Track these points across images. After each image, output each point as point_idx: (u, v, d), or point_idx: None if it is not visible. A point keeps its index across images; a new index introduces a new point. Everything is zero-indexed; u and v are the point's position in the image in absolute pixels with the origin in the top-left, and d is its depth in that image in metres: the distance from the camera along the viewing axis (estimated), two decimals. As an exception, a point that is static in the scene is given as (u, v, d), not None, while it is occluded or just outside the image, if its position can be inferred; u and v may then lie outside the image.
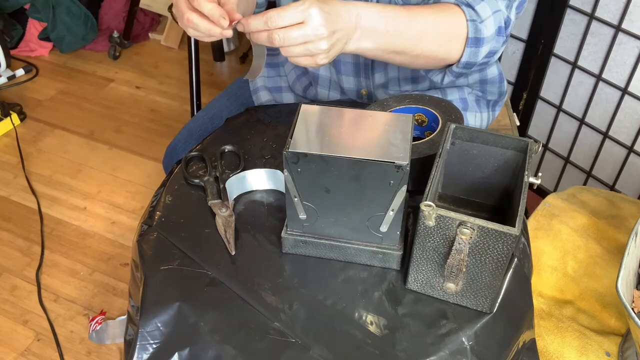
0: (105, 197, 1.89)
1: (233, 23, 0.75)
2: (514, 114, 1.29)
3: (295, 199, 0.71)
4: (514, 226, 0.62)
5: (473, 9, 0.85)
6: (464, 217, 0.63)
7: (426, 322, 0.69)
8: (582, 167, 1.64)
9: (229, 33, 0.76)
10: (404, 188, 0.67)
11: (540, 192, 1.75)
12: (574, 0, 1.44)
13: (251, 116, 1.00)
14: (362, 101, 1.09)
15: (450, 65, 0.90)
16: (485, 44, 0.87)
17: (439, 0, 0.87)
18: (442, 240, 0.66)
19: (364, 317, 0.70)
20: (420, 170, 0.77)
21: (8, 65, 2.33)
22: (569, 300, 1.05)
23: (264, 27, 0.73)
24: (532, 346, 0.76)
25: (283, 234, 0.75)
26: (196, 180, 0.86)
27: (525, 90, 1.68)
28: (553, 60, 1.57)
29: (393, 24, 0.82)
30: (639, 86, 1.41)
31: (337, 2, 0.77)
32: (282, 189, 0.80)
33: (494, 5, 0.87)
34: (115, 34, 2.46)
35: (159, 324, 0.70)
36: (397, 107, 0.89)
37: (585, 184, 1.66)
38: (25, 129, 2.14)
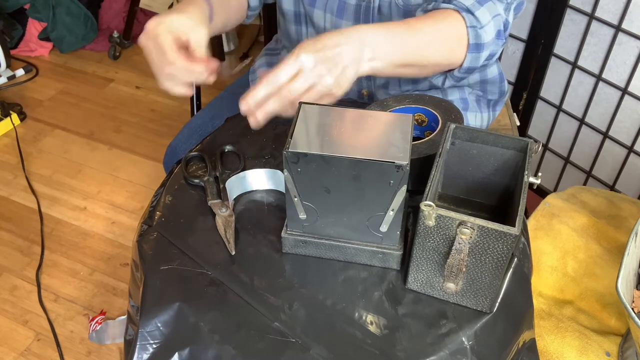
0: (105, 197, 1.89)
1: (213, 70, 0.77)
2: (514, 114, 1.29)
3: (295, 199, 0.71)
4: (514, 226, 0.62)
5: (473, 14, 0.85)
6: (464, 217, 0.63)
7: (426, 322, 0.69)
8: (582, 167, 1.64)
9: (212, 80, 0.77)
10: (404, 188, 0.67)
11: (540, 192, 1.75)
12: (574, 0, 1.44)
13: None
14: (362, 101, 1.09)
15: (451, 70, 0.90)
16: (485, 49, 0.87)
17: (438, 7, 0.87)
18: (442, 240, 0.66)
19: (364, 317, 0.70)
20: (420, 170, 0.77)
21: (8, 65, 2.33)
22: (569, 300, 1.05)
23: (268, 90, 0.74)
24: (532, 346, 0.76)
25: (283, 234, 0.75)
26: (196, 180, 0.86)
27: (525, 90, 1.68)
28: (553, 60, 1.57)
29: (398, 38, 0.82)
30: (639, 86, 1.41)
31: (334, 33, 0.77)
32: (282, 189, 0.80)
33: (493, 9, 0.86)
34: (115, 34, 2.46)
35: (159, 324, 0.70)
36: (397, 107, 0.89)
37: (585, 184, 1.66)
38: (25, 129, 2.14)
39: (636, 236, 0.88)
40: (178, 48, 0.76)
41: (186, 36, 0.77)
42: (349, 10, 0.98)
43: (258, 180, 0.83)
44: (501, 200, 0.79)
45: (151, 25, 0.75)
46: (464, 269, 0.66)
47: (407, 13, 0.95)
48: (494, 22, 0.86)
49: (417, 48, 0.83)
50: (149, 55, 0.76)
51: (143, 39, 0.76)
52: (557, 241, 1.11)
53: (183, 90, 0.79)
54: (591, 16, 1.42)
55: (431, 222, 0.64)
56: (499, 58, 1.59)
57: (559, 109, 1.62)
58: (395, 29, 0.82)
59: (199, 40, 0.78)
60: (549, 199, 1.20)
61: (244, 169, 0.86)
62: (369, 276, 0.74)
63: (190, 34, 0.77)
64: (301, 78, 0.74)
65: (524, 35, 1.59)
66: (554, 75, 1.59)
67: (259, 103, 0.75)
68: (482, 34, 0.86)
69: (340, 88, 0.77)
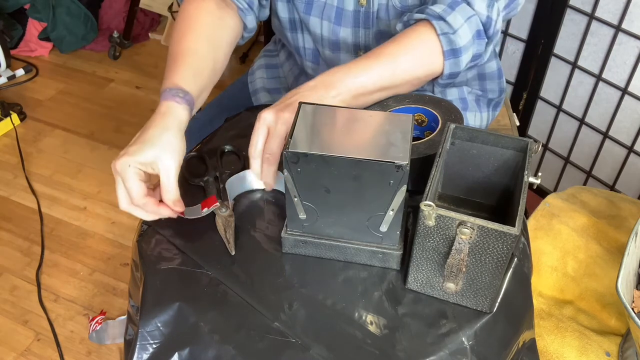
0: (105, 197, 1.89)
1: (178, 213, 0.77)
2: (514, 114, 1.29)
3: (295, 199, 0.71)
4: (514, 226, 0.62)
5: (444, 20, 0.84)
6: (464, 217, 0.63)
7: (426, 322, 0.69)
8: (582, 167, 1.64)
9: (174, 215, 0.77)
10: (404, 188, 0.67)
11: (540, 192, 1.75)
12: (574, 0, 1.44)
13: (251, 116, 1.00)
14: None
15: (435, 78, 0.90)
16: (463, 52, 0.86)
17: (412, 17, 0.87)
18: (442, 240, 0.66)
19: (364, 317, 0.70)
20: (420, 170, 0.77)
21: (8, 65, 2.33)
22: (569, 300, 1.05)
23: (259, 159, 0.78)
24: (532, 346, 0.76)
25: (283, 234, 0.75)
26: (196, 180, 0.86)
27: (525, 90, 1.68)
28: (553, 60, 1.57)
29: (357, 70, 0.83)
30: (639, 86, 1.41)
31: (296, 91, 0.81)
32: (282, 189, 0.80)
33: (466, 11, 0.85)
34: (115, 34, 2.46)
35: (159, 324, 0.70)
36: (397, 107, 0.89)
37: (585, 184, 1.66)
38: (25, 129, 2.14)
39: (636, 236, 0.88)
40: (145, 189, 0.75)
41: (153, 171, 0.75)
42: (347, 17, 0.98)
43: (258, 179, 0.83)
44: (501, 200, 0.79)
45: (117, 166, 0.73)
46: (464, 269, 0.66)
47: (404, 15, 0.95)
48: (468, 24, 0.85)
49: (384, 70, 0.84)
50: (118, 190, 0.75)
51: (114, 174, 0.75)
52: (557, 241, 1.11)
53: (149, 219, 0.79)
54: (591, 16, 1.42)
55: (431, 222, 0.64)
56: (499, 56, 1.59)
57: (559, 109, 1.62)
58: (355, 63, 0.84)
59: (167, 174, 0.74)
60: (549, 199, 1.20)
61: (244, 169, 0.86)
62: (369, 276, 0.74)
63: (157, 169, 0.74)
64: (272, 138, 0.77)
65: (524, 35, 1.60)
66: (554, 75, 1.59)
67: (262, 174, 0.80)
68: (456, 39, 0.85)
69: None
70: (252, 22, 0.99)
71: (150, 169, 0.74)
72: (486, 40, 0.89)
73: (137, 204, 0.74)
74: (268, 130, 0.78)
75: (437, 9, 0.85)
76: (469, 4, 0.86)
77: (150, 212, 0.75)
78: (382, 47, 0.86)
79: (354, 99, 0.83)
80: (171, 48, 0.88)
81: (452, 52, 0.86)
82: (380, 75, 0.84)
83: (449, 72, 0.88)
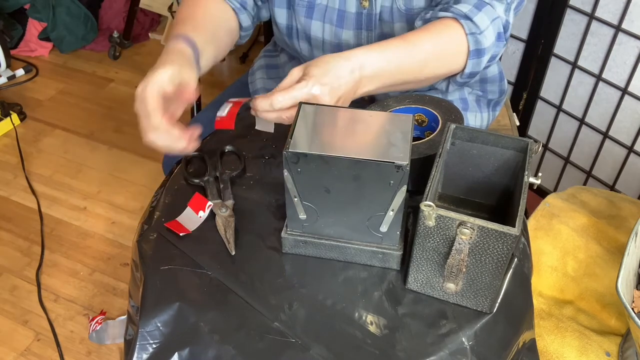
0: (105, 197, 1.89)
1: (194, 138, 0.78)
2: (514, 114, 1.29)
3: (295, 199, 0.71)
4: (514, 226, 0.62)
5: (471, 20, 0.85)
6: (464, 217, 0.63)
7: (426, 322, 0.69)
8: (582, 167, 1.64)
9: (192, 148, 0.78)
10: (404, 188, 0.67)
11: (540, 192, 1.75)
12: (574, 0, 1.44)
13: (251, 116, 1.00)
14: (362, 101, 1.09)
15: (454, 75, 0.91)
16: (486, 53, 0.87)
17: (436, 15, 0.87)
18: (442, 240, 0.66)
19: (364, 317, 0.70)
20: (420, 170, 0.77)
21: (8, 65, 2.33)
22: (569, 300, 1.05)
23: (271, 109, 0.76)
24: (532, 346, 0.76)
25: (283, 234, 0.75)
26: (196, 180, 0.86)
27: (525, 90, 1.68)
28: (553, 60, 1.57)
29: (395, 62, 0.83)
30: (639, 86, 1.41)
31: (336, 61, 0.79)
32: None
33: (491, 13, 0.86)
34: (115, 34, 2.46)
35: (159, 324, 0.70)
36: (397, 107, 0.89)
37: (585, 184, 1.66)
38: (25, 129, 2.14)
39: (636, 236, 0.88)
40: (164, 111, 0.77)
41: (173, 83, 0.77)
42: (350, 19, 0.98)
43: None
44: (501, 200, 0.79)
45: (138, 89, 0.77)
46: (464, 269, 0.66)
47: (409, 18, 0.95)
48: (492, 25, 0.86)
49: (416, 66, 0.84)
50: (139, 118, 0.78)
51: (135, 104, 0.78)
52: (557, 241, 1.11)
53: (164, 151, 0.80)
54: (591, 16, 1.42)
55: (431, 222, 0.64)
56: (500, 57, 1.59)
57: (559, 109, 1.62)
58: (394, 50, 0.83)
59: (187, 79, 0.79)
60: (549, 199, 1.20)
61: (244, 170, 0.86)
62: (369, 276, 0.74)
63: (177, 79, 0.78)
64: (291, 93, 0.76)
65: (524, 35, 1.59)
66: (554, 75, 1.59)
67: (253, 111, 0.79)
68: (482, 40, 0.86)
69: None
70: (246, 21, 1.00)
71: (166, 82, 0.76)
72: (504, 42, 0.90)
73: (154, 124, 0.75)
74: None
75: (464, 8, 0.85)
76: (492, 6, 0.86)
77: (165, 134, 0.76)
78: (414, 38, 0.85)
79: (376, 89, 0.84)
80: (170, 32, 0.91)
81: (477, 53, 0.86)
82: (410, 73, 0.85)
83: (470, 71, 0.88)
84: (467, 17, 0.85)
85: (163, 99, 0.76)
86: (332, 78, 0.77)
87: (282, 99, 0.75)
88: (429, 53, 0.85)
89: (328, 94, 0.77)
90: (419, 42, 0.84)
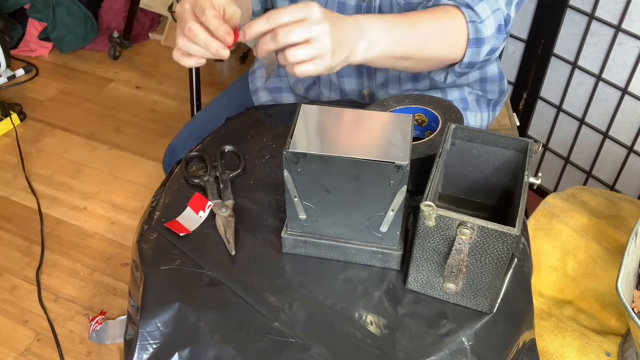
0: (105, 197, 1.89)
1: (235, 42, 0.75)
2: (514, 114, 1.29)
3: (295, 199, 0.71)
4: (514, 226, 0.62)
5: (472, 9, 0.86)
6: (464, 217, 0.63)
7: (426, 322, 0.69)
8: (582, 167, 1.64)
9: (226, 53, 0.75)
10: (404, 188, 0.67)
11: (540, 192, 1.75)
12: (574, 0, 1.44)
13: (251, 116, 1.00)
14: (362, 101, 1.09)
15: (452, 65, 0.91)
16: (486, 43, 0.87)
17: (438, 3, 0.88)
18: (442, 240, 0.66)
19: (364, 317, 0.70)
20: (420, 170, 0.77)
21: (8, 65, 2.33)
22: (569, 300, 1.05)
23: (267, 26, 0.73)
24: (532, 346, 0.76)
25: (283, 234, 0.75)
26: (196, 180, 0.86)
27: (525, 90, 1.68)
28: (553, 60, 1.57)
29: (398, 32, 0.82)
30: (639, 86, 1.41)
31: (341, 15, 0.78)
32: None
33: (493, 4, 0.87)
34: (115, 34, 2.46)
35: (159, 324, 0.70)
36: (397, 107, 0.89)
37: (585, 184, 1.66)
38: (25, 129, 2.14)
39: (636, 236, 0.88)
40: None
41: (221, 7, 0.76)
42: (349, 11, 0.98)
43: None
44: (501, 200, 0.79)
45: (179, 7, 0.76)
46: (464, 269, 0.66)
47: (409, 11, 0.95)
48: (493, 16, 0.87)
49: (417, 41, 0.84)
50: (182, 15, 0.75)
51: (182, 4, 0.76)
52: (557, 241, 1.11)
53: (193, 62, 0.78)
54: (591, 16, 1.42)
55: (431, 223, 0.64)
56: (500, 57, 1.59)
57: (559, 109, 1.62)
58: (396, 21, 0.82)
59: (234, 11, 0.77)
60: (549, 199, 1.20)
61: (244, 170, 0.86)
62: (369, 276, 0.74)
63: (226, 6, 0.77)
64: (304, 25, 0.72)
65: (524, 35, 1.59)
66: (554, 75, 1.59)
67: (249, 37, 0.75)
68: (482, 29, 0.86)
69: (333, 59, 0.74)
70: (256, 5, 1.02)
71: (216, 3, 0.74)
72: (504, 35, 0.90)
73: (207, 15, 0.73)
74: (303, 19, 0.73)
75: None
76: None
77: (217, 28, 0.74)
78: (415, 15, 0.85)
79: (374, 57, 0.81)
80: None
81: (476, 41, 0.86)
82: (411, 46, 0.83)
83: (469, 60, 0.88)
84: (468, 6, 0.86)
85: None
86: (334, 18, 0.74)
87: (279, 12, 0.72)
88: (429, 31, 0.84)
89: (327, 16, 0.73)
90: (420, 20, 0.84)
